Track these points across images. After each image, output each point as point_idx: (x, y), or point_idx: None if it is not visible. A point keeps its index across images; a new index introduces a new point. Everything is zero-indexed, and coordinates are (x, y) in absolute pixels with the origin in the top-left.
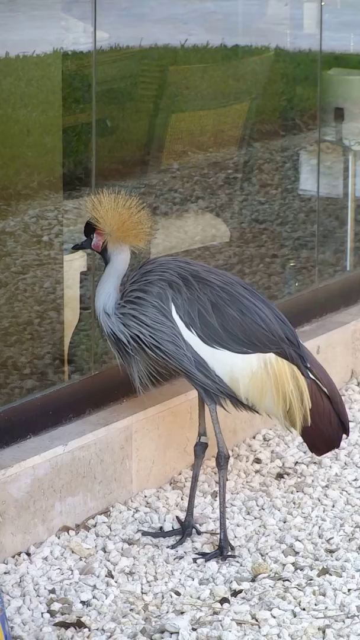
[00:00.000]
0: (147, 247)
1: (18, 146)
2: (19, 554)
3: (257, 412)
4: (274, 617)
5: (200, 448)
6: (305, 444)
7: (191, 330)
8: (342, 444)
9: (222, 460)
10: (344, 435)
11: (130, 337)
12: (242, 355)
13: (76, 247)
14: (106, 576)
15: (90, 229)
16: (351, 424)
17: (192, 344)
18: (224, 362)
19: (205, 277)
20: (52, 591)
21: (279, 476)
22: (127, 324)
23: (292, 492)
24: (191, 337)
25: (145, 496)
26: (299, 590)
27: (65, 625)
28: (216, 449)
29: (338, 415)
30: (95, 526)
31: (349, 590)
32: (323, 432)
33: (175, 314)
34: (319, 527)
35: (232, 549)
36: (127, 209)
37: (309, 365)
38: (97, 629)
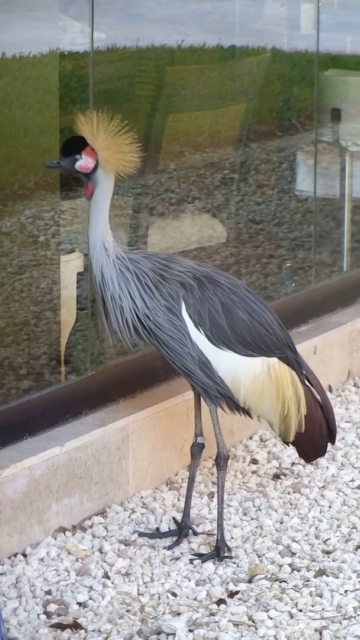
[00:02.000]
0: (134, 174)
1: (15, 146)
2: (15, 555)
3: (250, 417)
4: (271, 619)
5: (197, 448)
6: (295, 449)
7: (199, 330)
8: (339, 444)
9: (221, 461)
10: (330, 443)
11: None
12: (247, 357)
13: (52, 166)
14: (102, 577)
15: (75, 148)
16: (348, 425)
17: (198, 344)
18: (229, 364)
19: (216, 279)
20: (49, 592)
21: (276, 477)
22: (123, 286)
23: (288, 493)
24: (198, 337)
25: (142, 497)
26: (296, 591)
27: (61, 626)
28: (212, 449)
29: (327, 423)
30: (91, 527)
31: (345, 591)
32: (314, 439)
33: (185, 312)
34: (316, 528)
35: (229, 549)
36: (119, 130)
37: (304, 372)
38: (93, 630)
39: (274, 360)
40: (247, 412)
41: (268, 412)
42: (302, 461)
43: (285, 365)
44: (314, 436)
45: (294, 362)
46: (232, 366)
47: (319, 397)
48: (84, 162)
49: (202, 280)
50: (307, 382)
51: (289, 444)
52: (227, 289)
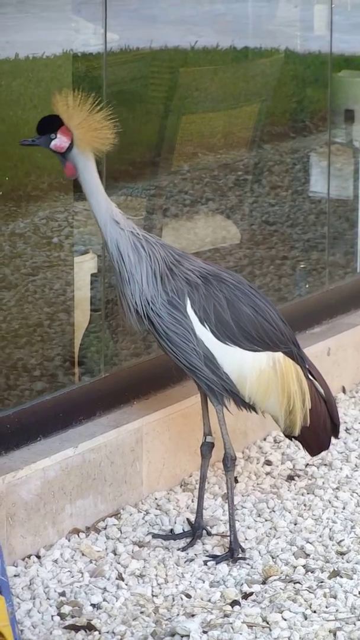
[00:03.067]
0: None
1: (28, 148)
2: (29, 557)
3: (256, 412)
4: (285, 620)
5: (207, 448)
6: (300, 444)
7: (205, 326)
8: (353, 445)
9: (229, 462)
10: (334, 437)
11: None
12: (252, 352)
13: (26, 143)
14: (116, 579)
15: (49, 127)
16: None
17: (204, 339)
18: (234, 359)
19: (221, 276)
20: (62, 594)
21: (290, 478)
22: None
23: (302, 494)
24: (204, 333)
25: (156, 498)
26: (310, 592)
27: (75, 628)
28: (223, 450)
29: (331, 417)
30: (105, 529)
31: (359, 592)
32: (318, 433)
33: (190, 308)
34: (330, 529)
35: (243, 551)
36: (94, 109)
37: (307, 366)
38: (107, 632)
39: (279, 355)
40: (252, 407)
41: (273, 407)
42: (316, 462)
43: (290, 360)
44: (318, 430)
45: (298, 356)
46: (237, 361)
47: (322, 391)
48: (58, 142)
49: (207, 277)
50: (310, 377)
51: (293, 439)
52: (231, 285)
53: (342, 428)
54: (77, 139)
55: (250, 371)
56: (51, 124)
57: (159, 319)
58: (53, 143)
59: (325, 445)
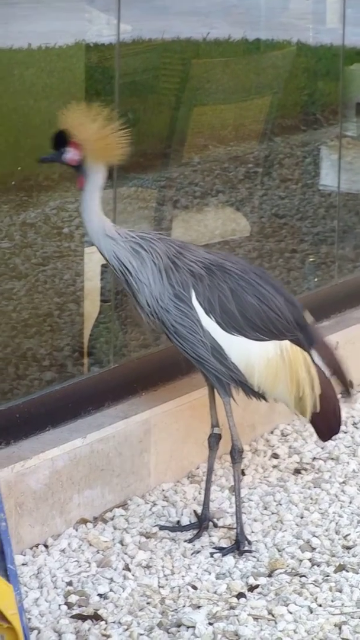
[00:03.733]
0: (124, 162)
1: (40, 137)
2: (36, 546)
3: (266, 400)
4: (290, 613)
5: (214, 440)
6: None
7: (210, 317)
8: None
9: (236, 455)
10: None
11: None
12: (258, 342)
13: (44, 160)
14: (123, 569)
15: (61, 141)
16: None
17: (210, 330)
18: (241, 349)
19: (224, 266)
20: (70, 583)
21: (297, 472)
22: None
23: (309, 488)
24: (210, 324)
25: (163, 490)
26: (316, 586)
27: (82, 617)
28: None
29: (341, 376)
30: (112, 519)
31: None
32: (329, 418)
33: (195, 300)
34: (336, 523)
35: (249, 543)
36: (104, 120)
37: (315, 347)
38: (113, 622)
39: (286, 343)
40: (262, 396)
41: (283, 395)
42: (323, 456)
43: (297, 347)
44: (329, 415)
45: (304, 342)
46: (244, 351)
47: (331, 367)
48: (70, 155)
49: (211, 268)
50: (318, 359)
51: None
52: (236, 275)
53: (349, 422)
54: (87, 152)
55: (258, 360)
56: (64, 138)
57: (167, 313)
58: (65, 157)
59: (336, 430)
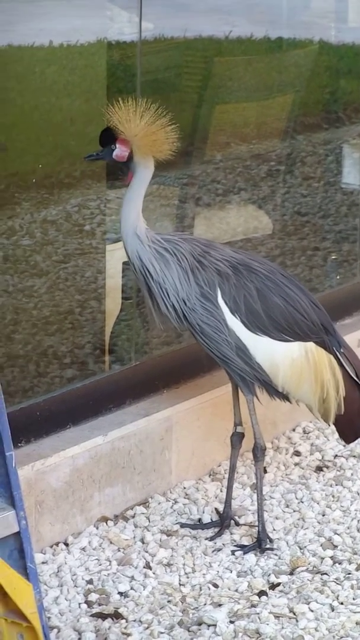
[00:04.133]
0: (171, 158)
1: (61, 135)
2: (57, 544)
3: (289, 401)
4: (312, 611)
5: (237, 438)
6: (336, 431)
7: (235, 316)
8: None
9: (258, 452)
10: None
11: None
12: (284, 343)
13: (91, 158)
14: (144, 567)
15: (109, 138)
16: None
17: (235, 330)
18: (266, 349)
19: (251, 265)
20: (90, 582)
21: (318, 469)
22: (165, 268)
23: (331, 485)
24: (235, 323)
25: (185, 487)
26: (337, 584)
27: (102, 616)
28: (253, 440)
29: None
30: (133, 517)
31: None
32: (353, 420)
33: (220, 299)
34: (358, 520)
35: (271, 541)
36: (152, 116)
37: (342, 351)
38: (134, 620)
39: (311, 345)
40: (285, 397)
41: (307, 396)
42: (344, 454)
43: (322, 349)
44: (353, 417)
45: (330, 344)
46: (269, 351)
47: (358, 376)
48: (119, 152)
49: (238, 267)
50: (345, 363)
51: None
52: (262, 275)
53: None
54: (135, 148)
55: (283, 361)
56: (112, 135)
57: (194, 313)
58: (114, 153)
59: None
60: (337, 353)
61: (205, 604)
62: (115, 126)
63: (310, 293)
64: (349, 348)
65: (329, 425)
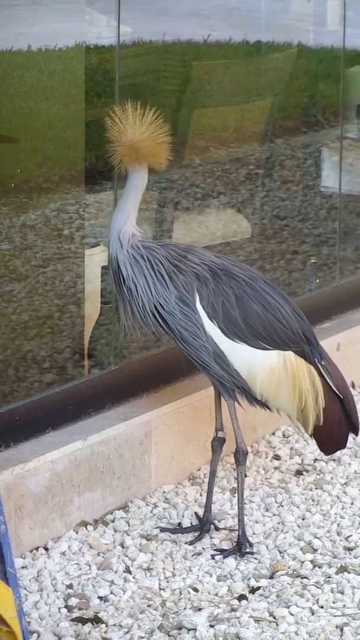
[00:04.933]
0: (166, 167)
1: (40, 139)
2: (36, 549)
3: (269, 409)
4: (292, 615)
5: (218, 443)
6: (315, 442)
7: (213, 322)
8: None
9: (240, 456)
10: (353, 435)
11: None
12: (261, 351)
13: None
14: (124, 572)
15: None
16: None
17: (212, 336)
18: (243, 356)
19: (231, 271)
20: (70, 586)
21: (298, 473)
22: (137, 274)
23: (311, 489)
24: (212, 329)
25: (164, 492)
26: (317, 587)
27: (82, 620)
28: (234, 444)
29: (349, 414)
30: (113, 521)
31: None
32: (332, 432)
33: (199, 304)
34: (338, 524)
35: (251, 545)
36: (148, 124)
37: (324, 363)
38: (114, 625)
39: (290, 354)
40: (264, 404)
41: (285, 405)
42: (324, 457)
43: (301, 359)
44: (333, 429)
45: (310, 354)
46: (247, 359)
47: (338, 390)
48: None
49: (217, 272)
50: (325, 375)
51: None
52: (242, 281)
53: None
54: (127, 153)
55: (261, 368)
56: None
57: (173, 317)
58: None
59: (341, 444)
60: (319, 364)
61: (185, 608)
62: (112, 132)
63: (293, 303)
64: (330, 361)
65: (308, 435)
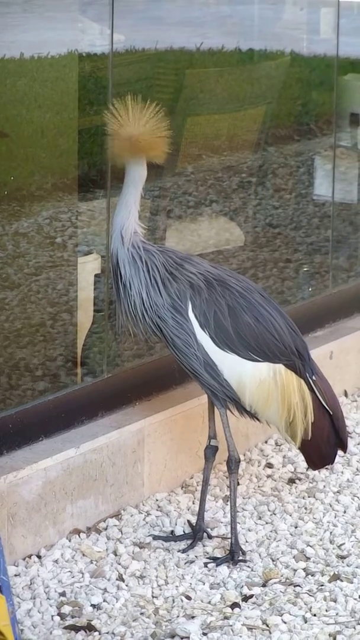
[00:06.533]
0: (165, 162)
1: (32, 147)
2: (29, 557)
3: (259, 420)
4: (285, 623)
5: (211, 451)
6: (303, 456)
7: (205, 331)
8: (355, 449)
9: (232, 465)
10: (341, 452)
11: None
12: (252, 362)
13: None
14: (117, 579)
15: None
16: None
17: (203, 345)
18: (233, 367)
19: (226, 281)
20: (63, 594)
21: (291, 481)
22: (134, 274)
23: (303, 498)
24: (204, 338)
25: (157, 500)
26: (310, 595)
27: (75, 628)
28: (227, 452)
29: (337, 431)
30: (106, 529)
31: (359, 596)
32: (320, 447)
33: (191, 312)
34: (331, 532)
35: (243, 553)
36: (148, 118)
37: (314, 378)
38: (107, 633)
39: (280, 367)
40: (254, 415)
41: (274, 417)
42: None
43: (292, 372)
44: (321, 444)
45: (302, 368)
46: (237, 369)
47: (328, 405)
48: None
49: (212, 282)
50: (315, 389)
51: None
52: (236, 292)
53: None
54: (126, 148)
55: (250, 380)
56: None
57: (165, 324)
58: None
59: (329, 460)
60: (309, 379)
61: (178, 616)
62: (111, 126)
63: (289, 318)
64: (322, 376)
65: (297, 449)
